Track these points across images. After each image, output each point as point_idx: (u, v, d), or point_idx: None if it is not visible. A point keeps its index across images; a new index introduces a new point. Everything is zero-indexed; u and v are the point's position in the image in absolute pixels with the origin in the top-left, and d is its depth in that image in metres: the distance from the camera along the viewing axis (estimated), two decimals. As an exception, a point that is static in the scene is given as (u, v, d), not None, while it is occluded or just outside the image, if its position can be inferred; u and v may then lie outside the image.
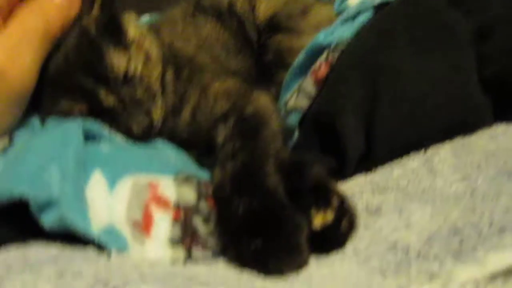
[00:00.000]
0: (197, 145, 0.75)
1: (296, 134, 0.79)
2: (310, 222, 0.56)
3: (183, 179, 0.62)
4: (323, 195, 0.58)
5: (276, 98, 0.86)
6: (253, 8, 1.00)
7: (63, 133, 0.59)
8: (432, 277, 0.43)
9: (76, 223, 0.52)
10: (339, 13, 0.87)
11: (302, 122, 0.78)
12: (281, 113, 0.78)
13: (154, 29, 0.92)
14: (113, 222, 0.54)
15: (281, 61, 0.92)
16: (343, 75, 0.72)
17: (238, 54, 0.92)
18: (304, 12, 0.99)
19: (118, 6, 0.77)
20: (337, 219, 0.56)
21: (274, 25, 0.97)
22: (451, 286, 0.40)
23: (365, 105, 0.69)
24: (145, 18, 1.44)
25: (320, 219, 0.56)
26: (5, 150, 0.63)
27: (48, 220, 0.52)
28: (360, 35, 0.75)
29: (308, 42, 0.94)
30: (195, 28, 0.94)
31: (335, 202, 0.57)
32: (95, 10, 0.71)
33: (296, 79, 0.83)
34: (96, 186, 0.57)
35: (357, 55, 0.73)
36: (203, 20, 0.96)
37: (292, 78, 0.84)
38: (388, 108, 0.67)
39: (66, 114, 0.68)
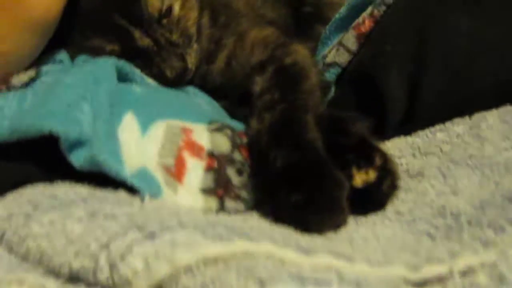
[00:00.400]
0: (230, 94, 0.72)
1: (333, 90, 0.75)
2: (350, 180, 0.53)
3: (217, 127, 0.59)
4: (365, 153, 0.55)
5: (313, 52, 0.82)
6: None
7: (96, 70, 0.56)
8: (487, 244, 0.40)
9: (109, 163, 0.49)
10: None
11: (340, 78, 0.75)
12: (319, 68, 0.74)
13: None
14: (146, 165, 0.52)
15: (320, 15, 0.88)
16: (390, 31, 0.68)
17: (275, 3, 0.88)
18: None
19: None
20: (379, 179, 0.53)
21: None
22: (510, 253, 0.37)
23: (412, 62, 0.65)
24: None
25: (361, 177, 0.53)
26: (33, 81, 0.60)
27: (78, 158, 0.49)
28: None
29: (348, -4, 0.90)
30: None
31: (378, 161, 0.54)
32: None
33: (336, 34, 0.79)
34: (129, 128, 0.54)
35: (407, 10, 0.68)
36: None
37: (332, 32, 0.80)
38: (437, 67, 0.64)
39: (97, 52, 0.65)
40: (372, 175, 0.53)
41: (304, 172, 0.51)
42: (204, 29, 0.74)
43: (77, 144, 0.50)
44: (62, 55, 0.66)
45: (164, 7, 0.67)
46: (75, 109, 0.52)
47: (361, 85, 0.70)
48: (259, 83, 0.64)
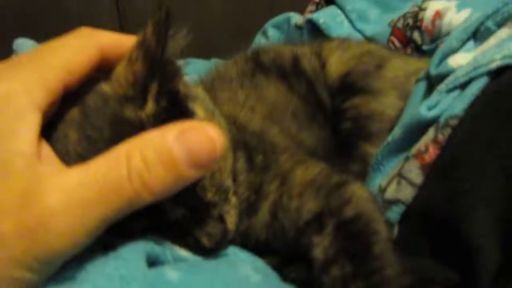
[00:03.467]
0: (280, 250, 0.59)
1: (396, 231, 0.63)
2: None
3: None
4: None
5: (362, 177, 0.71)
6: (323, 64, 0.85)
7: (122, 269, 0.44)
8: None
9: None
10: (437, 76, 0.71)
11: (404, 217, 0.63)
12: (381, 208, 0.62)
13: (208, 94, 0.76)
14: None
15: (362, 130, 0.77)
16: (466, 162, 0.57)
17: (311, 125, 0.77)
18: (379, 66, 0.84)
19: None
20: None
21: (348, 85, 0.82)
22: None
23: (503, 204, 0.53)
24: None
25: None
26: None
27: None
28: (480, 110, 0.59)
29: (388, 104, 0.80)
30: (257, 91, 0.79)
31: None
32: (150, 103, 0.49)
33: (391, 158, 0.68)
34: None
35: (482, 137, 0.57)
36: (265, 81, 0.82)
37: (385, 157, 0.68)
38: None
39: (125, 231, 0.52)
40: None
41: None
42: (240, 175, 0.61)
43: None
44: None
45: None
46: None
47: (437, 230, 0.58)
48: (320, 247, 0.52)
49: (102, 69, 0.50)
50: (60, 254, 0.41)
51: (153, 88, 0.49)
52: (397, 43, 1.16)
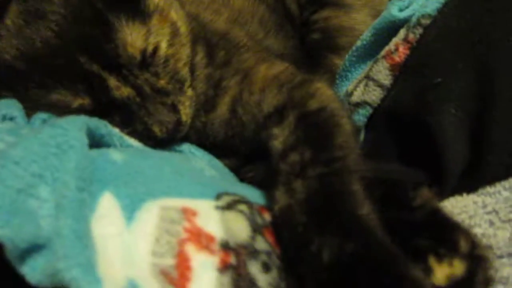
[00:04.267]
0: (238, 150, 0.56)
1: (363, 135, 0.60)
2: (428, 275, 0.37)
3: (228, 203, 0.43)
4: (442, 234, 0.39)
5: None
6: (291, -25, 0.80)
7: (59, 136, 0.40)
8: None
9: (78, 280, 0.32)
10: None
11: (371, 120, 0.60)
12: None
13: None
14: (134, 277, 0.35)
15: (331, 42, 0.74)
16: (437, 58, 0.54)
17: (279, 33, 0.74)
18: (353, -18, 0.80)
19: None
20: (469, 272, 0.37)
21: None
22: None
23: (475, 96, 0.51)
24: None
25: (444, 271, 0.38)
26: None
27: (33, 271, 0.35)
28: (455, 7, 0.56)
29: (359, 19, 0.77)
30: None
31: (463, 245, 0.38)
32: None
33: (358, 65, 0.65)
34: (107, 216, 0.38)
35: (456, 32, 0.54)
36: None
37: (354, 63, 0.65)
38: (509, 104, 0.49)
39: (61, 108, 0.48)
40: (458, 267, 0.38)
41: (364, 271, 0.36)
42: (199, 69, 0.58)
43: (32, 250, 0.35)
44: (13, 109, 0.49)
45: (150, 47, 0.51)
46: (28, 197, 0.36)
47: (405, 130, 0.55)
48: (279, 137, 0.48)
49: None
50: None
51: None
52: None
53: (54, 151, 0.39)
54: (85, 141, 0.41)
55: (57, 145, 0.39)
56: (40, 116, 0.48)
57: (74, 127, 0.41)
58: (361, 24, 0.78)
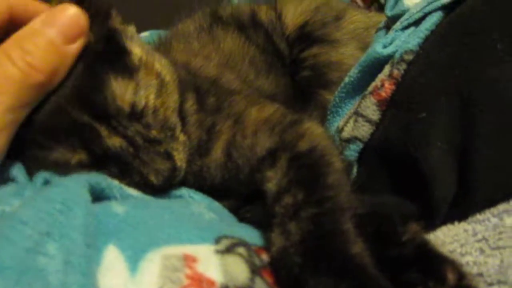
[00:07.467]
0: (235, 192, 0.58)
1: (355, 170, 0.62)
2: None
3: (227, 247, 0.45)
4: (430, 266, 0.41)
5: (321, 123, 0.70)
6: (279, 16, 0.84)
7: (63, 194, 0.42)
8: None
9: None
10: (393, 17, 0.71)
11: (362, 155, 0.62)
12: (338, 146, 0.61)
13: (163, 47, 0.75)
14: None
15: (321, 78, 0.77)
16: (421, 93, 0.56)
17: (269, 73, 0.76)
18: (338, 18, 0.84)
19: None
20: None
21: (306, 35, 0.81)
22: None
23: (458, 129, 0.53)
24: (144, 35, 1.27)
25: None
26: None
27: None
28: (435, 42, 0.59)
29: (348, 53, 0.80)
30: (214, 43, 0.78)
31: (451, 277, 0.40)
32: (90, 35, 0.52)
33: (348, 100, 0.67)
34: (112, 268, 0.40)
35: (437, 67, 0.56)
36: (223, 33, 0.80)
37: (343, 99, 0.68)
38: (491, 133, 0.51)
39: (62, 167, 0.50)
40: (448, 299, 0.39)
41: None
42: (190, 115, 0.60)
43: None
44: (16, 170, 0.51)
45: (140, 100, 0.54)
46: (36, 254, 0.38)
47: (395, 163, 0.57)
48: (272, 179, 0.51)
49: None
50: None
51: None
52: (360, 3, 1.16)
53: (59, 208, 0.41)
54: (89, 197, 0.43)
55: (62, 203, 0.41)
56: (42, 175, 0.50)
57: (77, 185, 0.44)
58: (350, 58, 0.80)
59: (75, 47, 0.49)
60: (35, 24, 0.47)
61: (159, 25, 1.34)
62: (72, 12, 0.48)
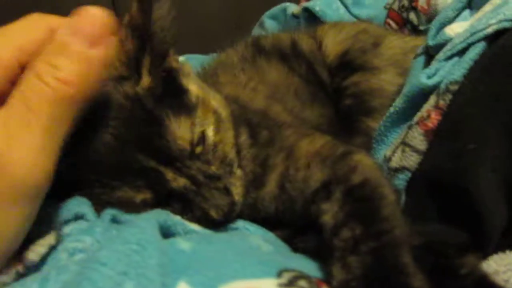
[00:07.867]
0: (290, 222, 0.60)
1: (403, 198, 0.64)
2: None
3: (290, 280, 0.47)
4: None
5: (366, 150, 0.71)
6: (319, 45, 0.86)
7: (137, 234, 0.45)
8: None
9: None
10: (435, 46, 0.72)
11: (410, 184, 0.63)
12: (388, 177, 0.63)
13: (210, 79, 0.78)
14: None
15: (363, 106, 0.79)
16: (468, 124, 0.57)
17: (314, 102, 0.78)
18: (376, 44, 0.86)
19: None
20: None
21: (346, 64, 0.83)
22: None
23: (508, 160, 0.54)
24: (180, 59, 1.30)
25: None
26: (54, 249, 0.49)
27: None
28: (479, 73, 0.60)
29: (387, 79, 0.81)
30: (259, 74, 0.80)
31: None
32: (145, 76, 0.55)
33: (394, 129, 0.69)
34: (186, 305, 0.42)
35: (482, 97, 0.58)
36: (267, 64, 0.83)
37: (388, 128, 0.69)
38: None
39: (125, 204, 0.53)
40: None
41: None
42: (244, 150, 0.63)
43: None
44: (83, 208, 0.54)
45: (196, 137, 0.56)
46: (117, 294, 0.40)
47: (444, 193, 0.58)
48: (329, 213, 0.53)
49: None
50: (30, 183, 0.43)
51: (146, 61, 0.54)
52: (393, 25, 1.17)
53: (135, 249, 0.44)
54: (160, 237, 0.46)
55: (137, 243, 0.44)
56: (109, 211, 0.53)
57: (149, 225, 0.46)
58: (390, 84, 0.82)
59: (102, 49, 0.46)
60: (59, 36, 0.46)
61: (192, 49, 1.38)
62: (93, 12, 0.46)
